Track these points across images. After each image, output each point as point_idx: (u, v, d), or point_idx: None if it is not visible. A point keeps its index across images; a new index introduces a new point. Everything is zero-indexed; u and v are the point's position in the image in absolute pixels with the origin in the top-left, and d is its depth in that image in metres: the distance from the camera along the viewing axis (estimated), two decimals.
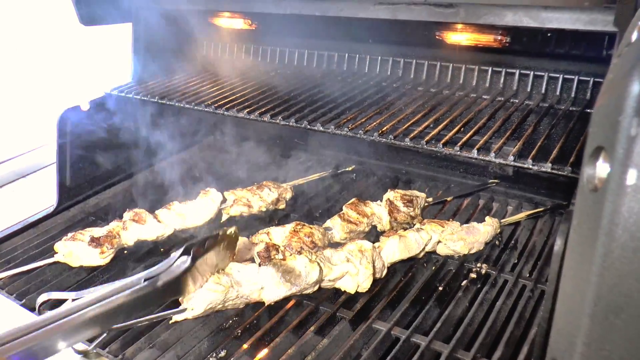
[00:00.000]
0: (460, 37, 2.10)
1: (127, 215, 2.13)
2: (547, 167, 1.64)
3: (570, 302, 0.82)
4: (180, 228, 2.19)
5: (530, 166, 1.65)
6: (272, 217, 2.39)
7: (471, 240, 1.98)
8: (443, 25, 2.09)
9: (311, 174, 2.63)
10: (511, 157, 1.68)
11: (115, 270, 2.03)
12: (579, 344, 0.77)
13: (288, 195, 2.43)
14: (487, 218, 2.09)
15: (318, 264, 1.79)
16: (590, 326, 0.75)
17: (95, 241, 1.97)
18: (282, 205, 2.41)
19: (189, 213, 2.20)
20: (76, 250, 1.95)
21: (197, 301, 1.66)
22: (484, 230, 2.03)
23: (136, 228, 2.09)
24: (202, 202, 2.25)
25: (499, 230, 2.08)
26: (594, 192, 0.76)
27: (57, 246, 1.98)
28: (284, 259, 1.83)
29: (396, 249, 1.92)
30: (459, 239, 1.97)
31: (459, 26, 2.03)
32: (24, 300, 1.85)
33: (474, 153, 1.73)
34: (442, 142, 1.80)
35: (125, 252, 2.12)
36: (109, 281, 1.84)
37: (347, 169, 2.73)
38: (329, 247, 1.98)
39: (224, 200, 2.30)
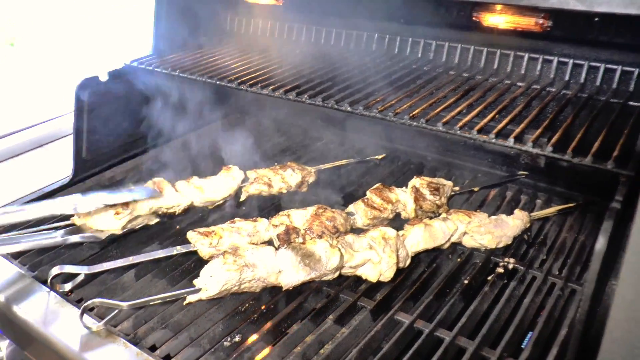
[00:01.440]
0: (498, 19, 1.99)
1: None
2: (587, 161, 1.54)
3: (632, 310, 0.74)
4: (198, 202, 2.13)
5: (570, 159, 1.56)
6: (293, 199, 2.31)
7: (499, 234, 1.90)
8: (481, 6, 1.99)
9: (337, 159, 2.54)
10: (550, 148, 1.59)
11: (130, 244, 1.98)
12: None
13: (311, 179, 2.35)
14: (516, 211, 2.00)
15: (339, 249, 1.72)
16: None
17: None
18: (304, 189, 2.33)
19: (207, 188, 2.14)
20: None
21: (211, 281, 1.61)
22: (512, 224, 1.94)
23: None
24: (222, 178, 2.18)
25: (528, 225, 1.99)
26: None
27: None
28: (303, 243, 1.76)
29: (421, 238, 1.84)
30: (487, 232, 1.89)
31: (499, 7, 1.92)
32: (36, 272, 1.82)
33: (510, 142, 1.63)
34: (475, 129, 1.71)
35: (138, 228, 2.06)
36: (123, 256, 1.80)
37: (377, 157, 2.61)
38: (351, 232, 1.91)
39: (246, 179, 2.23)
